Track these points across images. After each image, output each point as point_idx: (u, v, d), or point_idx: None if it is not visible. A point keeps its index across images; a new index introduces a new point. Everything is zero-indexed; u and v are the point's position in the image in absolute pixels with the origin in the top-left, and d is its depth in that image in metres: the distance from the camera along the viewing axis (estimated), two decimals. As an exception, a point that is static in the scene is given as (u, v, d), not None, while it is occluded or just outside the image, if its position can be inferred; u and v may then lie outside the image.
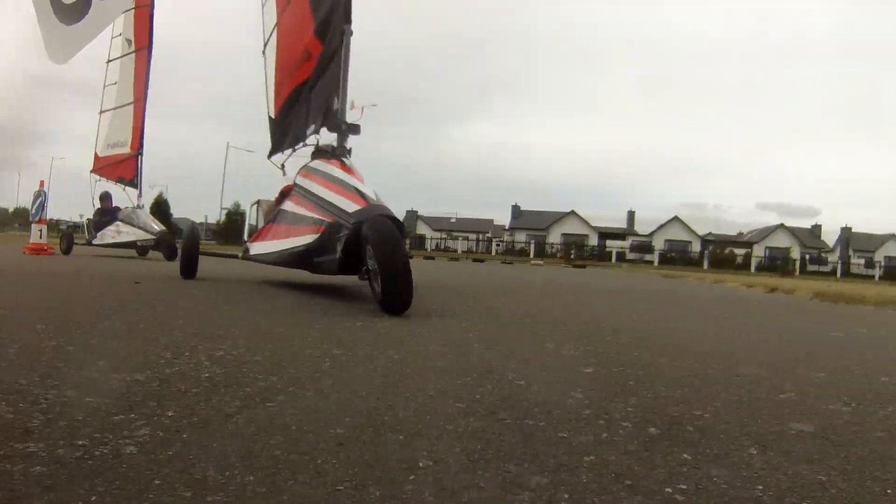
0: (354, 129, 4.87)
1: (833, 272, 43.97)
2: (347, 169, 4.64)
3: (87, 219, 12.43)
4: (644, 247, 51.83)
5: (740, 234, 59.66)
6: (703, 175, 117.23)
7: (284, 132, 6.00)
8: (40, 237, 10.64)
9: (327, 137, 5.42)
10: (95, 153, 12.81)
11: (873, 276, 42.67)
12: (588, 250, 48.85)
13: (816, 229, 56.80)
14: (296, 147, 5.66)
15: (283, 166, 5.94)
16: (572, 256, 42.32)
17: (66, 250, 11.23)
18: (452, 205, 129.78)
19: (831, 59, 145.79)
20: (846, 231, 53.11)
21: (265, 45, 6.82)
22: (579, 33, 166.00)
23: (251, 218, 6.05)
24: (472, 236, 53.53)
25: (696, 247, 50.64)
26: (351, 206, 3.92)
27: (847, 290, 9.74)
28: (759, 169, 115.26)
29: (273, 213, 5.30)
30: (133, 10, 12.18)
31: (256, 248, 5.27)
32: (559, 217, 53.10)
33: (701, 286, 10.96)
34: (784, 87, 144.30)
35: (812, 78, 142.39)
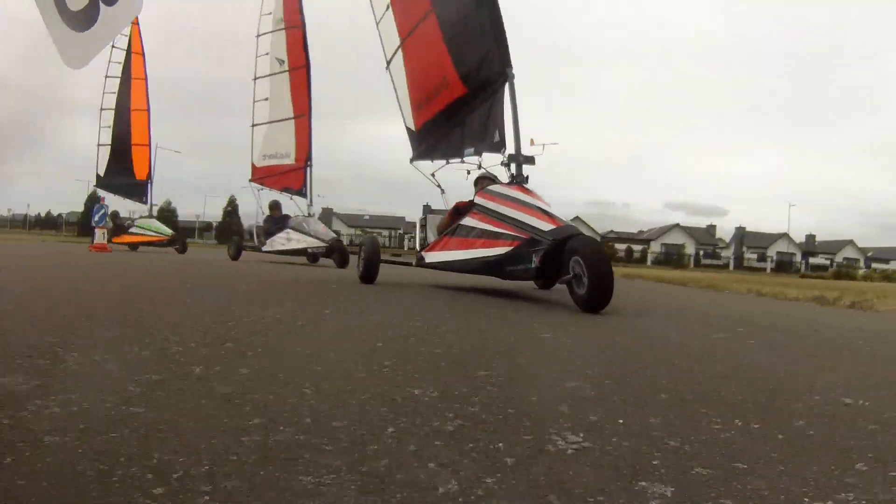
0: (530, 160, 5.37)
1: (726, 266, 49.92)
2: (531, 193, 5.20)
3: (256, 226, 12.35)
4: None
5: (640, 231, 62.54)
6: (611, 175, 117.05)
7: (431, 146, 6.67)
8: (103, 238, 13.86)
9: (487, 159, 6.07)
10: (252, 163, 13.25)
11: (765, 269, 48.72)
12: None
13: (711, 228, 62.86)
14: (450, 161, 6.41)
15: (440, 186, 6.59)
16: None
17: (235, 256, 11.54)
18: (363, 202, 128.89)
19: (742, 62, 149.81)
20: (740, 230, 58.94)
21: (389, 61, 7.41)
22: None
23: (422, 230, 6.33)
24: (385, 232, 54.38)
25: (596, 244, 54.64)
26: (545, 226, 4.52)
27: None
28: (667, 169, 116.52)
29: (451, 228, 5.63)
30: (284, 30, 12.88)
31: (433, 256, 5.67)
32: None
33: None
34: (694, 87, 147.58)
35: (724, 79, 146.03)
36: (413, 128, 6.96)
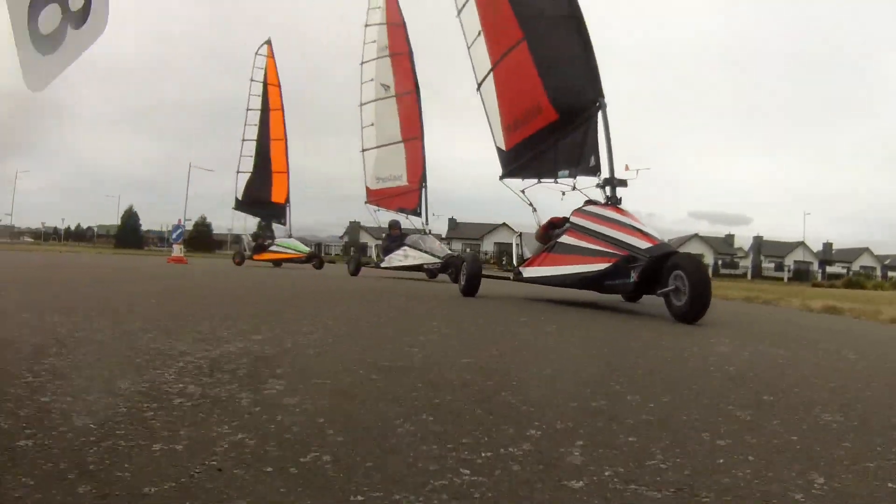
0: (623, 183, 5.73)
1: (744, 275, 50.02)
2: (626, 213, 5.50)
3: (376, 244, 13.09)
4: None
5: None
6: (638, 184, 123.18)
7: (522, 166, 7.06)
8: (180, 252, 16.12)
9: (580, 181, 6.43)
10: (367, 186, 13.72)
11: (782, 279, 48.78)
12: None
13: (730, 238, 62.58)
14: (542, 180, 6.82)
15: (531, 203, 7.00)
16: (504, 262, 44.72)
17: (354, 272, 11.86)
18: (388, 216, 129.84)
19: (772, 69, 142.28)
20: (758, 239, 58.74)
21: (480, 83, 7.80)
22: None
23: (517, 247, 6.67)
24: None
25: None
26: (643, 244, 4.91)
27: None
28: (689, 178, 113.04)
29: (548, 245, 6.02)
30: (388, 57, 13.44)
31: (531, 271, 6.06)
32: (492, 228, 55.89)
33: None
34: (721, 94, 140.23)
35: (743, 83, 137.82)
36: (503, 147, 7.33)
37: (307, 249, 16.50)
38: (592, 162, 6.13)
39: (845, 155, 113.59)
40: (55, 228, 72.24)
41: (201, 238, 54.06)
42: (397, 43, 13.51)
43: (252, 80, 18.90)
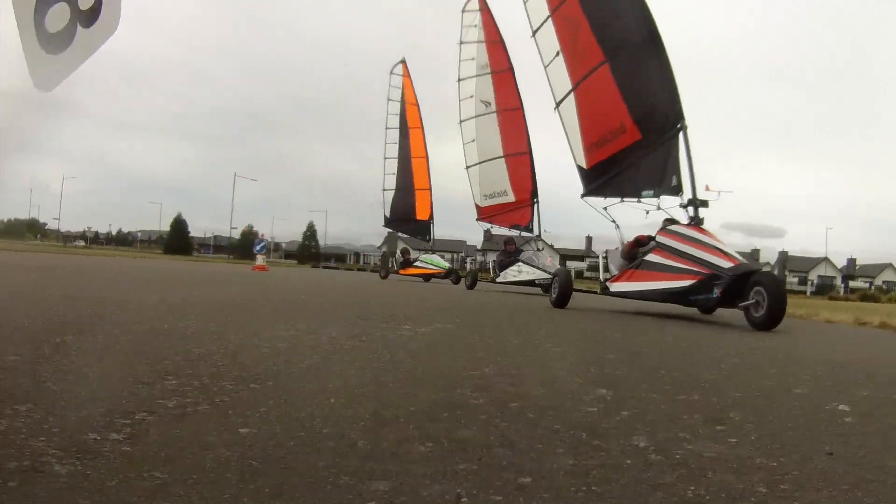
0: (705, 203, 5.96)
1: (768, 289, 49.74)
2: (708, 233, 5.72)
3: (493, 260, 13.20)
4: (597, 267, 54.94)
5: None
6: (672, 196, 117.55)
7: (604, 184, 7.25)
8: (262, 261, 17.47)
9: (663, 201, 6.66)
10: (476, 204, 13.74)
11: (805, 292, 48.54)
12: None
13: (755, 252, 63.04)
14: (625, 199, 6.99)
15: (614, 221, 7.29)
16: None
17: (471, 286, 12.03)
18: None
19: (806, 81, 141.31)
20: (783, 254, 59.36)
21: (559, 102, 7.94)
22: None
23: (604, 263, 7.07)
24: (447, 255, 57.46)
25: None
26: (725, 263, 5.25)
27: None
28: (724, 188, 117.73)
29: (636, 262, 6.29)
30: (489, 75, 13.37)
31: (619, 286, 6.39)
32: (525, 241, 58.40)
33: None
34: (752, 105, 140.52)
35: (782, 97, 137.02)
36: (584, 166, 7.50)
37: (447, 265, 16.66)
38: (674, 182, 6.40)
39: (882, 168, 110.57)
40: (96, 233, 74.01)
41: (250, 246, 55.02)
42: (497, 60, 13.24)
43: (389, 99, 19.18)
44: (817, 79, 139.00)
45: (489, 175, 13.22)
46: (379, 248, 64.96)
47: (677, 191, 6.35)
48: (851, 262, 58.86)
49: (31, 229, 60.60)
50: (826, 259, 54.26)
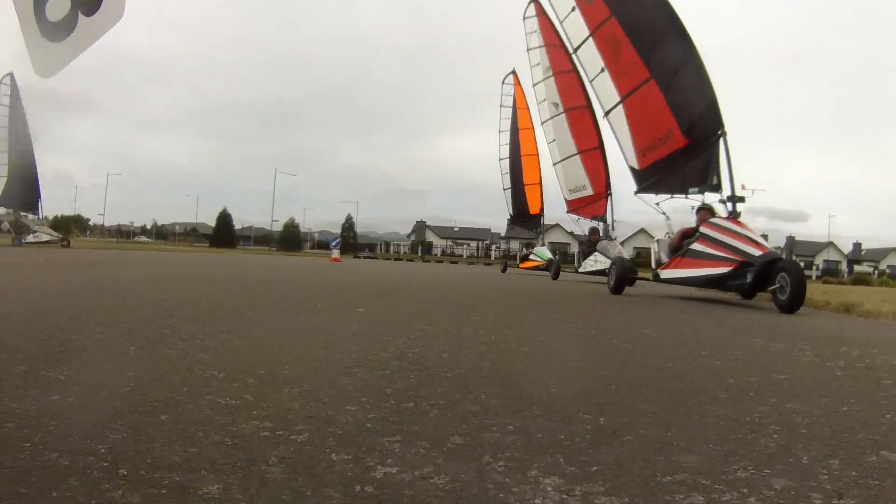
0: (741, 199, 6.85)
1: (775, 272, 51.29)
2: (742, 225, 6.59)
3: (576, 251, 13.81)
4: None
5: None
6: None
7: (656, 182, 8.15)
8: (337, 254, 20.25)
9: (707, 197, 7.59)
10: (565, 198, 14.49)
11: (811, 277, 49.88)
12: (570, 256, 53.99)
13: (764, 237, 65.59)
14: (674, 195, 7.92)
15: (664, 213, 8.10)
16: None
17: (555, 276, 12.58)
18: (455, 211, 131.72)
19: (830, 66, 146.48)
20: (790, 239, 60.43)
21: (608, 112, 8.78)
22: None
23: (655, 252, 7.73)
24: (473, 243, 56.59)
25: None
26: (756, 252, 6.00)
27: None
28: (752, 175, 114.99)
29: (682, 250, 7.00)
30: (553, 77, 13.86)
31: (667, 273, 7.14)
32: (547, 228, 59.75)
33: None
34: (776, 90, 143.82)
35: (805, 83, 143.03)
36: (637, 167, 8.39)
37: (549, 257, 17.32)
38: (715, 181, 7.30)
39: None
40: (143, 227, 74.01)
41: (292, 238, 55.51)
42: (558, 62, 13.63)
43: (501, 105, 20.46)
44: (846, 65, 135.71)
45: (570, 171, 13.92)
46: (408, 236, 66.23)
47: (718, 188, 7.23)
48: (857, 246, 59.71)
49: (77, 225, 62.10)
50: (831, 244, 55.20)
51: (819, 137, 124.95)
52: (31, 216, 21.36)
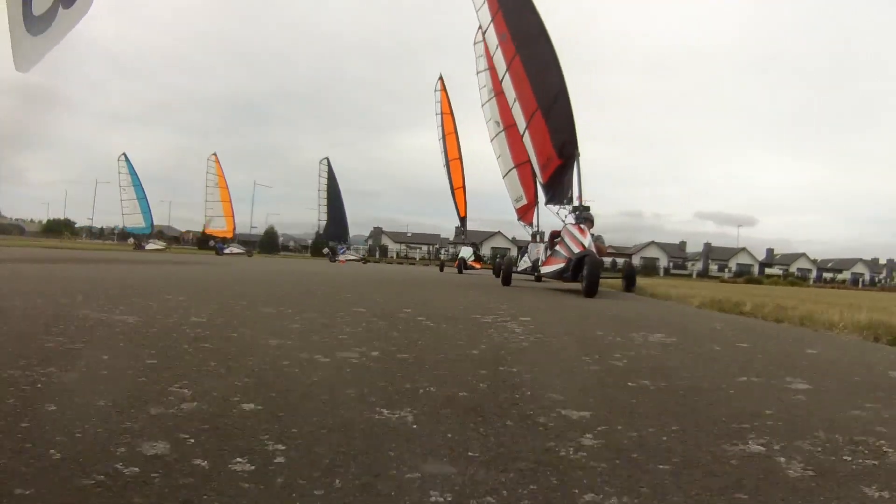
0: (587, 209, 8.67)
1: (690, 275, 55.45)
2: (582, 230, 8.23)
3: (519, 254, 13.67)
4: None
5: (624, 247, 71.18)
6: (641, 185, 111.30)
7: (552, 195, 9.58)
8: (343, 258, 23.31)
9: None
10: (515, 208, 15.24)
11: (722, 278, 54.27)
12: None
13: (682, 244, 70.00)
14: (563, 205, 9.33)
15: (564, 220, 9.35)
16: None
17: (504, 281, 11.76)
18: (403, 212, 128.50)
19: (787, 74, 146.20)
20: (707, 245, 65.53)
21: (522, 132, 9.94)
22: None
23: (528, 254, 10.08)
24: (424, 247, 61.73)
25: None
26: (577, 250, 7.82)
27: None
28: (698, 179, 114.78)
29: (552, 250, 8.91)
30: (495, 97, 14.76)
31: (543, 269, 8.94)
32: (490, 235, 59.51)
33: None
34: (726, 97, 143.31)
35: (754, 86, 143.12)
36: (542, 181, 9.86)
37: (466, 257, 18.54)
38: (569, 194, 9.06)
39: (855, 160, 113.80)
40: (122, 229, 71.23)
41: (271, 242, 58.05)
42: (497, 83, 13.53)
43: (436, 113, 21.60)
44: (798, 70, 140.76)
45: (512, 183, 15.10)
46: (366, 241, 67.43)
47: (571, 200, 9.10)
48: (769, 251, 65.81)
49: (66, 228, 60.04)
50: (744, 249, 61.03)
51: (781, 141, 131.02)
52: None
